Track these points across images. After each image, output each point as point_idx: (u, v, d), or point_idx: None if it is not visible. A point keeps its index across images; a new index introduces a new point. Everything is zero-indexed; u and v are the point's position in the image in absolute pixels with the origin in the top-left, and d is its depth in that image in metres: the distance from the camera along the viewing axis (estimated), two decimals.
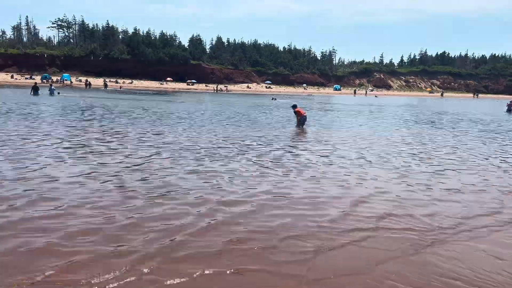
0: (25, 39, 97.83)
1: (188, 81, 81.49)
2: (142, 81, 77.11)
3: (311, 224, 4.50)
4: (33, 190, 5.32)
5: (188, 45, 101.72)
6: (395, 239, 4.20)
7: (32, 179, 5.85)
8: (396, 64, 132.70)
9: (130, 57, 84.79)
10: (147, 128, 12.48)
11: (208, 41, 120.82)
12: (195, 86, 78.09)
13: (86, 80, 60.20)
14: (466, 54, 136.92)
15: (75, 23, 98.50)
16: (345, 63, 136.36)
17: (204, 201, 5.16)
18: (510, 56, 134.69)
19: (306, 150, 9.49)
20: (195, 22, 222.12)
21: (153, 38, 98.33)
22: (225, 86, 75.63)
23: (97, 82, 62.71)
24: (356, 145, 10.59)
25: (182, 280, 3.21)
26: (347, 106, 32.23)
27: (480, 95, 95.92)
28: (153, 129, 12.43)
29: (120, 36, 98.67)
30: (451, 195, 5.92)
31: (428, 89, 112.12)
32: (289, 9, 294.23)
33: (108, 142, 9.49)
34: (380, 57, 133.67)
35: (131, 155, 7.97)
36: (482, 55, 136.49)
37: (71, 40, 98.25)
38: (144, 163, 7.20)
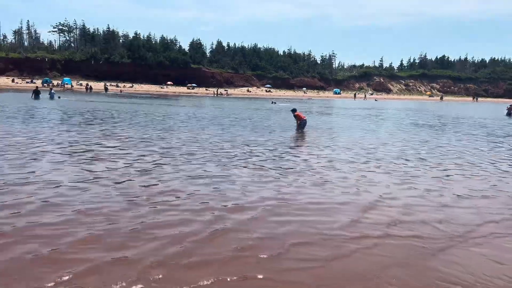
0: (26, 43, 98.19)
1: (188, 85, 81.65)
2: (142, 85, 77.26)
3: (317, 231, 4.47)
4: (37, 195, 5.30)
5: (189, 49, 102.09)
6: (401, 246, 4.17)
7: (36, 183, 5.83)
8: (395, 68, 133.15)
9: (130, 61, 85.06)
10: (148, 132, 12.48)
11: (208, 45, 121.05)
12: (196, 90, 78.25)
13: (87, 84, 60.37)
14: (466, 58, 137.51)
15: (76, 27, 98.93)
16: (345, 67, 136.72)
17: (209, 207, 5.13)
18: (509, 60, 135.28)
19: (309, 154, 9.47)
20: (195, 27, 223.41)
21: (153, 42, 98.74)
22: (225, 90, 75.78)
23: (98, 86, 62.85)
24: (360, 149, 10.55)
25: None
26: (348, 110, 32.26)
27: (479, 99, 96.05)
28: (155, 133, 12.42)
29: (120, 40, 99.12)
30: (459, 201, 5.88)
31: (428, 93, 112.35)
32: (289, 13, 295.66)
33: (110, 147, 9.48)
34: (380, 61, 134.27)
35: (134, 159, 7.95)
36: (482, 59, 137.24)
37: (72, 44, 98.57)
38: (147, 168, 7.18)
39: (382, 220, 4.90)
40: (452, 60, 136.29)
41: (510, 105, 32.04)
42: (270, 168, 7.65)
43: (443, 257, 3.93)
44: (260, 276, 3.43)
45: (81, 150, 8.84)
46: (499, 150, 11.46)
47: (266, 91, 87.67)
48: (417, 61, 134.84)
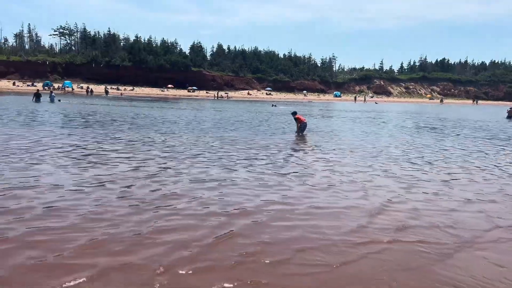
0: (27, 47, 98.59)
1: (189, 88, 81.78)
2: (143, 88, 77.41)
3: (323, 236, 4.42)
4: (40, 200, 5.25)
5: (189, 52, 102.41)
6: (408, 251, 4.12)
7: (38, 187, 5.78)
8: (396, 71, 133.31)
9: (131, 64, 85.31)
10: (150, 135, 12.44)
11: (209, 48, 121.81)
12: (196, 93, 78.37)
13: (88, 87, 60.51)
14: (466, 61, 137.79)
15: (76, 31, 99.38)
16: (345, 69, 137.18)
17: (213, 212, 5.08)
18: (510, 62, 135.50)
19: (313, 158, 9.42)
20: (196, 30, 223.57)
21: (154, 45, 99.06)
22: (225, 93, 75.85)
23: (99, 89, 62.95)
24: (363, 152, 10.50)
25: None
26: (349, 113, 32.24)
27: (479, 101, 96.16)
28: (157, 136, 12.39)
29: (121, 43, 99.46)
30: (467, 206, 5.83)
31: (428, 95, 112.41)
32: (289, 17, 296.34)
33: (112, 150, 9.44)
34: (380, 63, 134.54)
35: (137, 163, 7.91)
36: (482, 61, 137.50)
37: (73, 48, 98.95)
38: (150, 172, 7.13)
39: (389, 225, 4.84)
40: (452, 63, 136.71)
41: (511, 108, 32.03)
42: (274, 172, 7.60)
43: (451, 261, 3.88)
44: (265, 282, 3.38)
45: (83, 154, 8.80)
46: (504, 153, 11.40)
47: (266, 94, 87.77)
48: (417, 64, 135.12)
